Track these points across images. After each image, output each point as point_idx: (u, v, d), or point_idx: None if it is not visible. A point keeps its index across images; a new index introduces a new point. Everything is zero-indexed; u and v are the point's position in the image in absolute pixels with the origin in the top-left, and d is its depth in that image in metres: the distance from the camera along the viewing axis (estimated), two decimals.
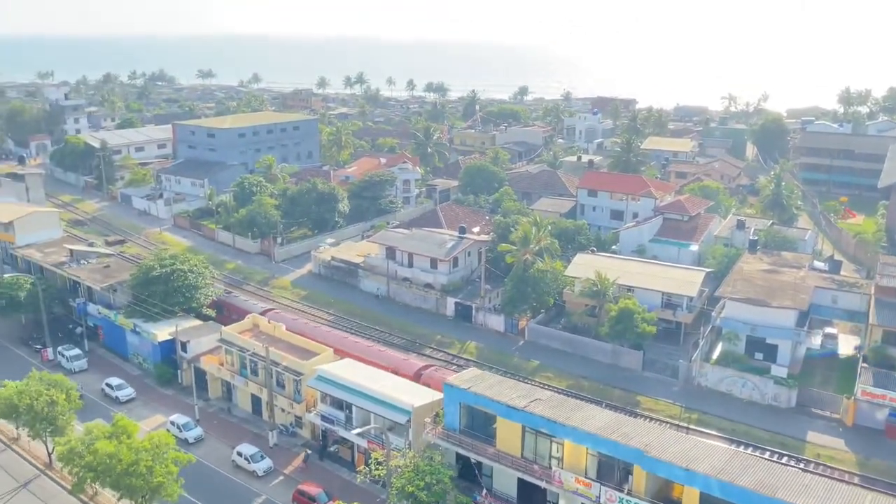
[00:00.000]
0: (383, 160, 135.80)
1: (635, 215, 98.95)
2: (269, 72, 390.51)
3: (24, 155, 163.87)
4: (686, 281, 73.56)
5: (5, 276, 77.18)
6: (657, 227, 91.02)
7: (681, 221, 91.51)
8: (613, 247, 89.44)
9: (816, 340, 69.36)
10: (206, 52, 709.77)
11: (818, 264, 79.36)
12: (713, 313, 69.41)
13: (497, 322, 77.54)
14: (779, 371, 62.37)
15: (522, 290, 73.95)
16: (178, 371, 66.41)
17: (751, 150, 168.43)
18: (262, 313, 68.10)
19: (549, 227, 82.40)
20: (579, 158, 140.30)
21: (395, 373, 56.25)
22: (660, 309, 71.68)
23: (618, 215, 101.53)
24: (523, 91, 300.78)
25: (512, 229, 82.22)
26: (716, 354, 67.56)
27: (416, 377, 55.87)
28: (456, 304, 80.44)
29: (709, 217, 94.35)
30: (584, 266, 76.15)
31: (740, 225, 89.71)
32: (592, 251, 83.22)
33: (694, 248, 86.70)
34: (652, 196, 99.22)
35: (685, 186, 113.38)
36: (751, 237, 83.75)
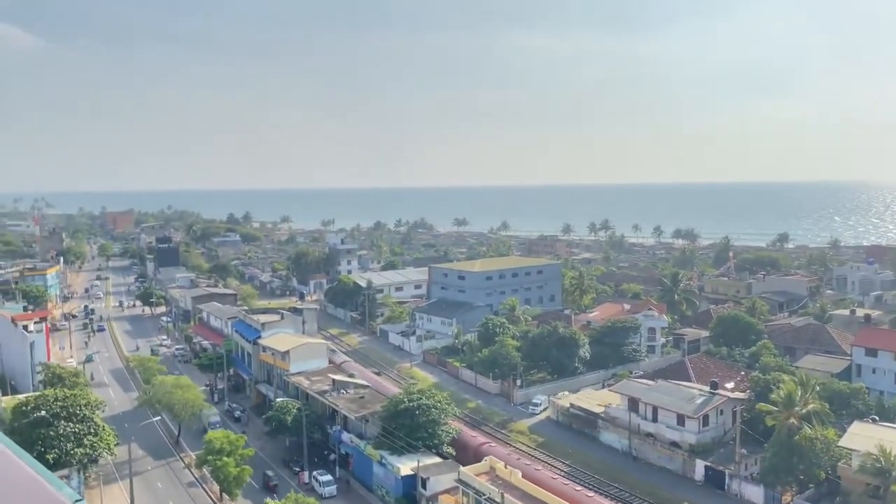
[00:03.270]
0: (627, 306, 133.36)
1: None
2: (517, 218, 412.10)
3: (304, 292, 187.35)
4: None
5: (278, 400, 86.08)
6: None
7: None
8: None
9: None
10: (462, 200, 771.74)
11: None
12: None
13: (755, 493, 68.81)
14: None
15: (787, 459, 65.41)
16: None
17: None
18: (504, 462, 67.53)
19: (818, 389, 73.41)
20: (853, 312, 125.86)
21: None
22: None
23: None
24: (783, 238, 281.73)
25: (773, 388, 74.44)
26: None
27: None
28: (706, 467, 73.28)
29: None
30: (864, 437, 65.81)
31: None
32: (873, 420, 71.96)
33: None
34: None
35: None
36: None
